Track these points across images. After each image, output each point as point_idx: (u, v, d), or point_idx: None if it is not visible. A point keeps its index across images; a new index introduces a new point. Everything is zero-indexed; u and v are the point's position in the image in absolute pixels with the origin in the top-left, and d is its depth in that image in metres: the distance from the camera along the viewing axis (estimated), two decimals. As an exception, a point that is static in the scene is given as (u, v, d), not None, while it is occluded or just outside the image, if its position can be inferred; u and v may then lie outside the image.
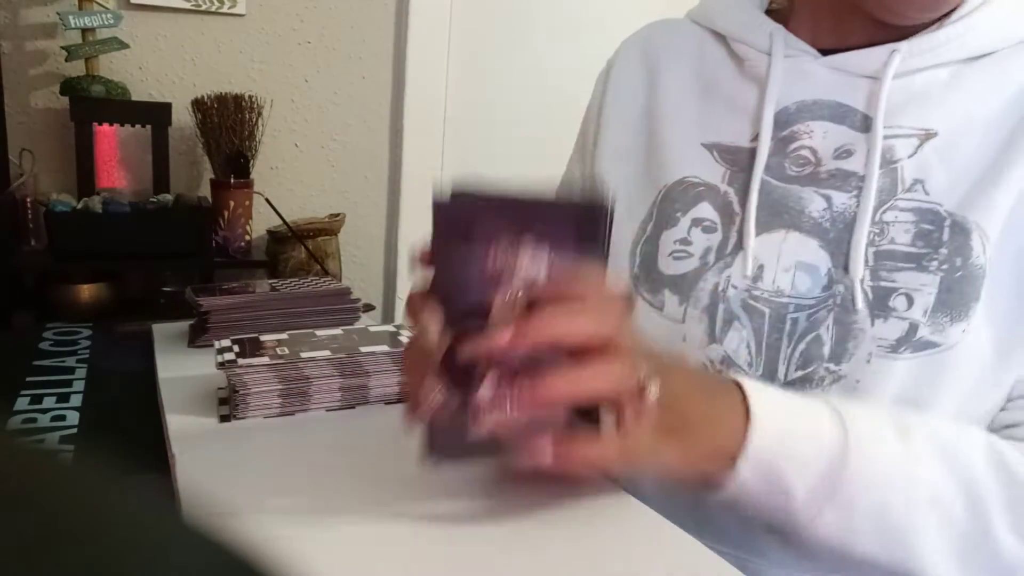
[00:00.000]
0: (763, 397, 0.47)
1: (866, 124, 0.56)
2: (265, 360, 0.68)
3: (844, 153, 0.57)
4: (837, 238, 0.56)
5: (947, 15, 0.56)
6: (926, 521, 0.47)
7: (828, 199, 0.56)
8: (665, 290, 0.61)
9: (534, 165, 1.77)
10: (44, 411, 0.72)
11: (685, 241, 0.61)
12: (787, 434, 0.46)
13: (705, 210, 0.60)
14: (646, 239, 0.63)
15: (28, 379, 0.79)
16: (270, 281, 0.94)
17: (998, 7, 0.55)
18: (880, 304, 0.54)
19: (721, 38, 0.65)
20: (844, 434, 0.47)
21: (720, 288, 0.58)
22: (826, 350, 0.55)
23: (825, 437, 0.47)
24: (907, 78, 0.56)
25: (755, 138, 0.59)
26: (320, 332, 0.76)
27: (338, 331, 0.77)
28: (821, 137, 0.58)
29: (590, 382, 0.42)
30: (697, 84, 0.65)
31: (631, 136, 0.67)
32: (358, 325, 0.87)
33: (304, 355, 0.69)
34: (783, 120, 0.59)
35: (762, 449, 0.46)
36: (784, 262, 0.57)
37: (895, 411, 0.50)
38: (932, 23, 0.56)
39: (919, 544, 0.47)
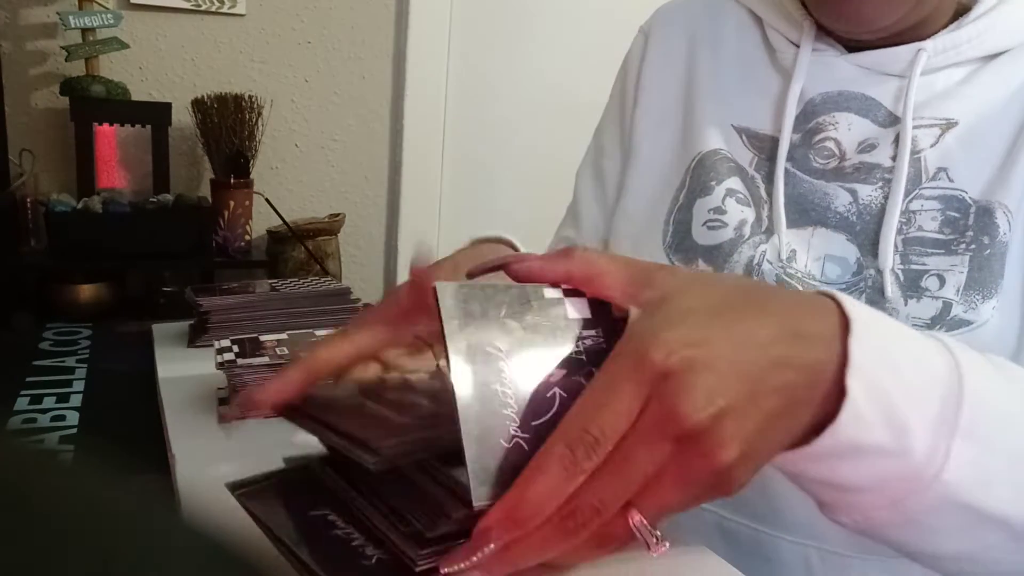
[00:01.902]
0: (867, 313, 0.37)
1: (890, 119, 0.58)
2: (265, 360, 0.68)
3: (868, 147, 0.58)
4: (864, 229, 0.57)
5: (965, 14, 0.57)
6: None
7: (854, 193, 0.58)
8: (699, 260, 0.62)
9: (534, 164, 1.77)
10: (44, 411, 0.72)
11: (719, 210, 0.61)
12: (893, 357, 0.36)
13: (738, 184, 0.62)
14: (679, 207, 0.64)
15: (28, 379, 0.79)
16: (270, 281, 0.94)
17: (1016, 6, 0.56)
18: (912, 285, 0.55)
19: (758, 20, 0.66)
20: (954, 359, 0.37)
21: (756, 261, 0.59)
22: None
23: (937, 362, 0.37)
24: (929, 77, 0.57)
25: (780, 129, 0.61)
26: (320, 332, 0.76)
27: (338, 331, 0.77)
28: (846, 129, 0.59)
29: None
30: (734, 63, 0.66)
31: (670, 103, 0.68)
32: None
33: (304, 355, 0.69)
34: (809, 112, 0.60)
35: (869, 369, 0.35)
36: (814, 253, 0.58)
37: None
38: (949, 22, 0.57)
39: None
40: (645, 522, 0.33)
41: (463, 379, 0.35)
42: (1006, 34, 0.56)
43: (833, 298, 0.37)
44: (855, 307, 0.36)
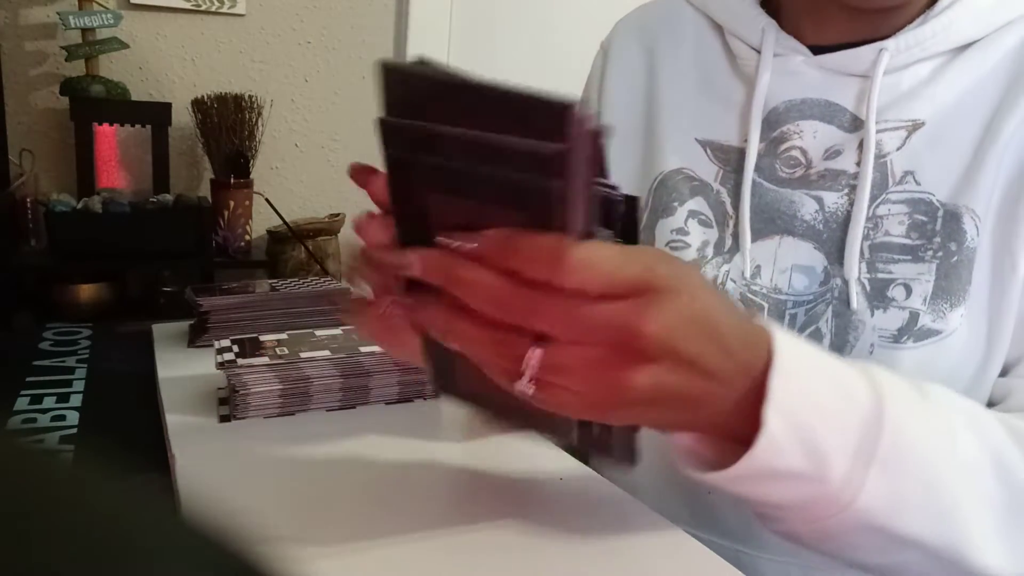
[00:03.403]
0: (793, 348, 0.39)
1: (855, 124, 0.57)
2: (265, 360, 0.68)
3: (834, 153, 0.57)
4: (831, 237, 0.56)
5: (931, 6, 0.56)
6: (970, 492, 0.42)
7: (819, 200, 0.57)
8: None
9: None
10: (44, 411, 0.72)
11: (682, 231, 0.61)
12: (813, 391, 0.39)
13: (700, 204, 0.61)
14: (643, 228, 0.63)
15: (28, 379, 0.79)
16: (270, 281, 0.94)
17: None
18: (878, 295, 0.54)
19: (717, 27, 0.64)
20: (876, 392, 0.40)
21: (719, 281, 0.59)
22: (826, 342, 0.55)
23: (860, 394, 0.40)
24: (895, 75, 0.56)
25: (746, 139, 0.60)
26: (320, 332, 0.76)
27: (338, 331, 0.77)
28: (811, 137, 0.58)
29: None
30: (694, 74, 0.64)
31: (631, 121, 0.67)
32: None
33: (304, 355, 0.69)
34: (773, 120, 0.59)
35: (788, 402, 0.38)
36: (780, 264, 0.57)
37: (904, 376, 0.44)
38: (916, 15, 0.56)
39: (966, 519, 0.41)
40: (536, 362, 0.35)
41: None
42: (973, 25, 0.55)
43: (769, 331, 0.40)
44: (783, 342, 0.39)
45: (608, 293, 0.34)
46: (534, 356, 0.35)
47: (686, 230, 0.61)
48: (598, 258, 0.34)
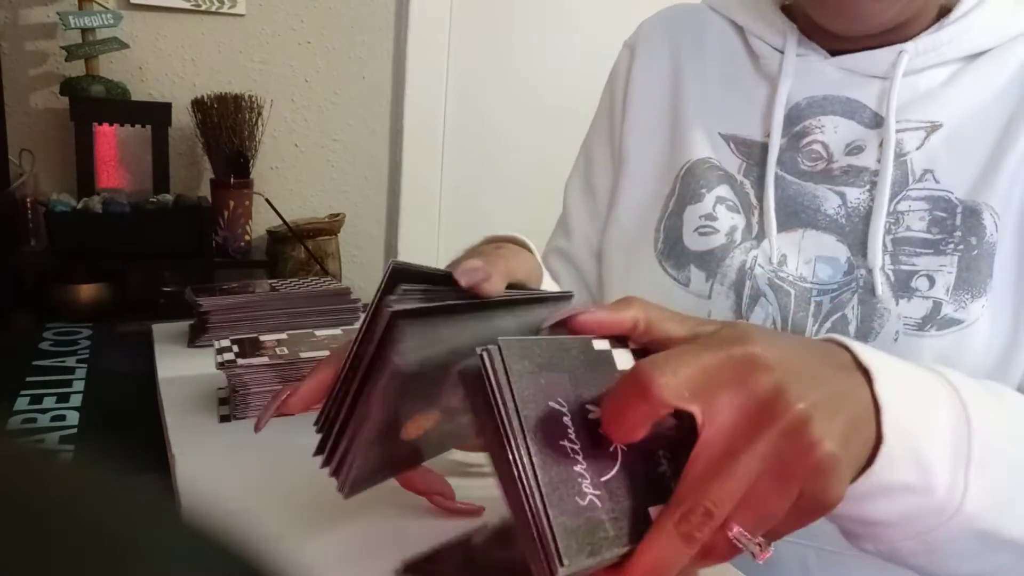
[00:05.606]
0: (875, 355, 0.37)
1: (876, 121, 0.59)
2: (265, 360, 0.68)
3: (855, 149, 0.59)
4: (853, 231, 0.58)
5: (946, 15, 0.58)
6: None
7: (842, 196, 0.59)
8: (691, 266, 0.62)
9: (533, 165, 1.77)
10: (44, 411, 0.72)
11: (711, 217, 0.62)
12: (911, 399, 0.37)
13: (727, 192, 0.63)
14: (669, 214, 0.65)
15: (28, 379, 0.79)
16: (270, 281, 0.94)
17: (994, 6, 0.58)
18: (902, 285, 0.56)
19: (739, 29, 0.67)
20: (956, 392, 0.39)
21: (747, 266, 0.60)
22: (852, 328, 0.57)
23: (942, 396, 0.39)
24: (912, 77, 0.58)
25: (768, 134, 0.62)
26: (320, 332, 0.76)
27: (338, 331, 0.77)
28: (832, 132, 0.60)
29: None
30: (718, 73, 0.67)
31: (658, 113, 0.69)
32: (358, 325, 0.87)
33: (303, 355, 0.69)
34: (795, 116, 0.62)
35: (897, 411, 0.36)
36: (805, 255, 0.59)
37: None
38: (931, 24, 0.58)
39: None
40: (745, 532, 0.33)
41: (535, 433, 0.32)
42: (985, 34, 0.57)
43: (843, 344, 0.37)
44: (867, 351, 0.37)
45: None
46: (734, 531, 0.33)
47: (715, 215, 0.62)
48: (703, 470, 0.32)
